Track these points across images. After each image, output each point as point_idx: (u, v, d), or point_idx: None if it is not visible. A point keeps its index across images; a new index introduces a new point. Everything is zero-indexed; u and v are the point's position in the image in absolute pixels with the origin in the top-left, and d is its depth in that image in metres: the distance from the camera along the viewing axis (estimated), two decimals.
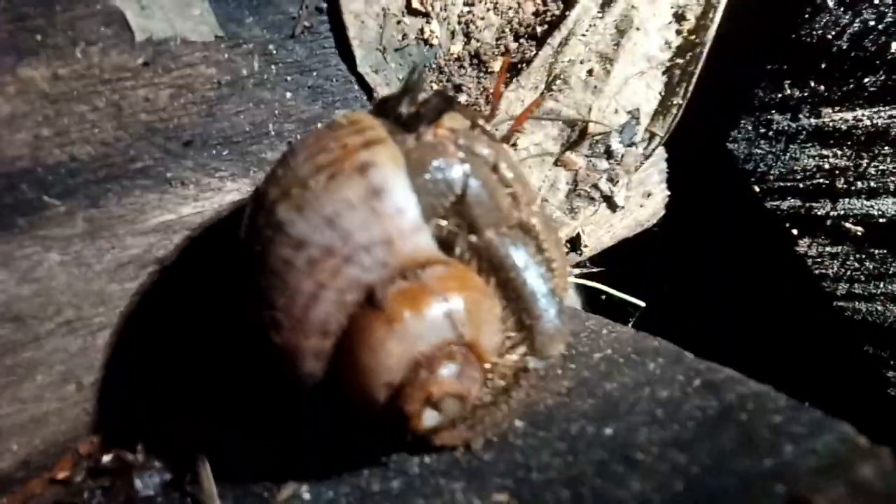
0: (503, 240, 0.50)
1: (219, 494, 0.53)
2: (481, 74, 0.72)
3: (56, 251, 0.58)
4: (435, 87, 0.70)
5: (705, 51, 0.69)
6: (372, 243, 0.45)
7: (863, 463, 0.36)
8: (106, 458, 0.59)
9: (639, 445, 0.43)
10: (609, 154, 0.70)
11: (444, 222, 0.50)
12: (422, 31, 0.68)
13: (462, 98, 0.71)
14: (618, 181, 0.70)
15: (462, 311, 0.46)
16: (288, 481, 0.51)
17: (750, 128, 0.94)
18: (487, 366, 0.49)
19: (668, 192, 0.93)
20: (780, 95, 0.90)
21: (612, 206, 0.72)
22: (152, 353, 0.61)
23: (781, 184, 0.93)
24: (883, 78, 0.84)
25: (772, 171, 0.93)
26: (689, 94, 0.70)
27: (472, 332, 0.47)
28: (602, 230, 0.84)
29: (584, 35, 0.70)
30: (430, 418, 0.46)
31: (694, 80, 0.70)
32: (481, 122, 0.55)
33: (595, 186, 0.70)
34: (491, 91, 0.69)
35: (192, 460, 0.56)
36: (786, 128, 0.91)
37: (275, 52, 0.63)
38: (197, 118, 0.61)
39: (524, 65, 0.72)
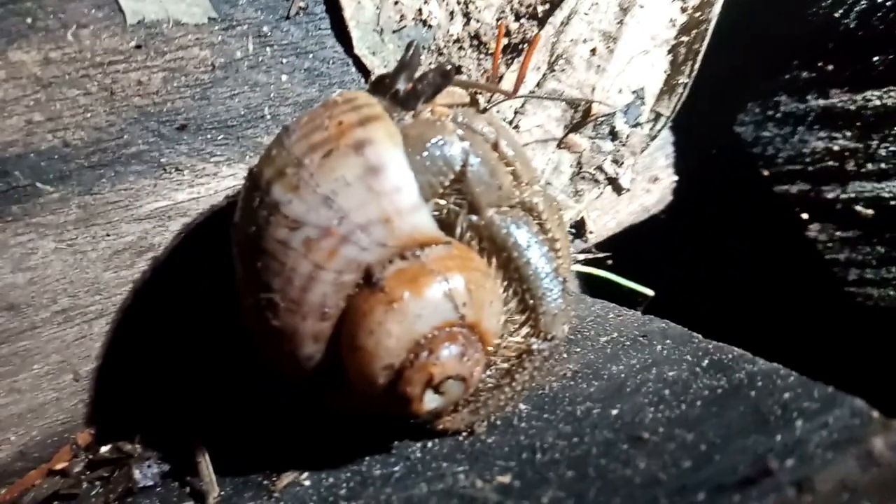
0: (505, 219, 0.49)
1: (217, 483, 0.52)
2: (481, 56, 0.71)
3: (50, 239, 0.57)
4: (449, 62, 0.69)
5: (710, 28, 0.68)
6: (369, 223, 0.44)
7: (875, 436, 0.35)
8: (104, 449, 0.58)
9: (645, 425, 0.42)
10: (614, 135, 0.69)
11: (443, 201, 0.49)
12: (420, 11, 0.67)
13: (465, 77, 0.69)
14: (623, 163, 0.69)
15: (463, 291, 0.45)
16: (287, 469, 0.50)
17: (757, 111, 0.92)
18: (490, 348, 0.48)
19: (676, 177, 0.92)
20: (787, 77, 0.89)
21: (618, 188, 0.70)
22: (150, 342, 0.60)
23: (790, 167, 0.91)
24: (892, 57, 0.82)
25: (780, 155, 0.92)
26: (694, 73, 0.69)
27: (473, 313, 0.46)
28: (608, 216, 0.83)
29: (586, 14, 0.69)
30: (431, 401, 0.44)
31: (700, 58, 0.68)
32: (481, 97, 0.54)
33: (600, 168, 0.69)
34: (490, 70, 0.67)
35: (191, 450, 0.55)
36: (793, 110, 0.89)
37: (269, 33, 0.62)
38: (191, 102, 0.60)
39: (525, 45, 0.70)
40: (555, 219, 0.52)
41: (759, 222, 0.95)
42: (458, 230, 0.49)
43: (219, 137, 0.61)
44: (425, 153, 0.47)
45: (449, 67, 0.49)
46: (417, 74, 0.51)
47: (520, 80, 0.59)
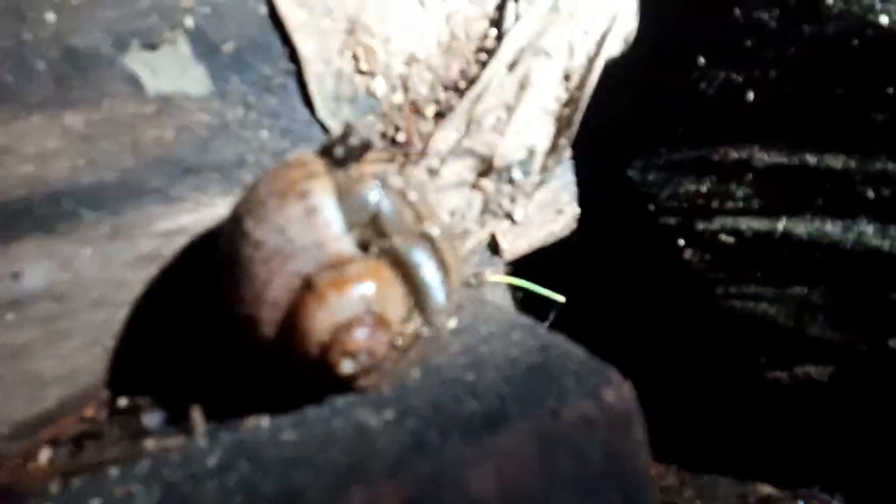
0: (405, 244, 0.71)
1: (203, 424, 0.73)
2: (417, 118, 0.94)
3: (87, 248, 0.78)
4: (380, 127, 0.92)
5: (585, 103, 0.90)
6: (309, 245, 0.66)
7: (609, 389, 0.57)
8: (122, 402, 0.80)
9: (483, 384, 0.64)
10: (511, 181, 0.91)
11: (363, 231, 0.71)
12: (368, 86, 0.90)
13: (401, 136, 0.92)
14: (517, 202, 0.91)
15: (373, 292, 0.67)
16: (251, 415, 0.72)
17: (644, 160, 1.15)
18: (392, 332, 0.69)
19: (579, 210, 1.14)
20: (665, 134, 1.11)
21: (512, 220, 0.93)
22: (159, 325, 0.82)
23: (669, 204, 1.14)
24: (743, 120, 1.04)
25: (661, 194, 1.14)
26: (573, 135, 0.91)
27: (380, 306, 0.67)
28: (521, 239, 1.05)
29: (494, 90, 0.92)
30: (347, 366, 0.66)
31: (576, 124, 0.91)
32: (399, 157, 0.76)
33: (500, 206, 0.91)
34: (419, 132, 0.90)
35: (186, 403, 0.76)
36: (671, 159, 1.12)
37: (254, 102, 0.84)
38: (195, 151, 0.82)
39: (449, 111, 0.93)
40: (446, 244, 0.74)
41: (647, 247, 1.17)
42: (373, 252, 0.71)
43: (215, 177, 0.83)
44: (350, 199, 0.69)
45: (370, 140, 0.71)
46: (351, 143, 0.73)
47: (425, 146, 0.81)
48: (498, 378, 0.64)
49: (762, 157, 1.05)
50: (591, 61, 0.90)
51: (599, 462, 0.55)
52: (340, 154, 0.71)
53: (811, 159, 1.02)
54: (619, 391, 0.56)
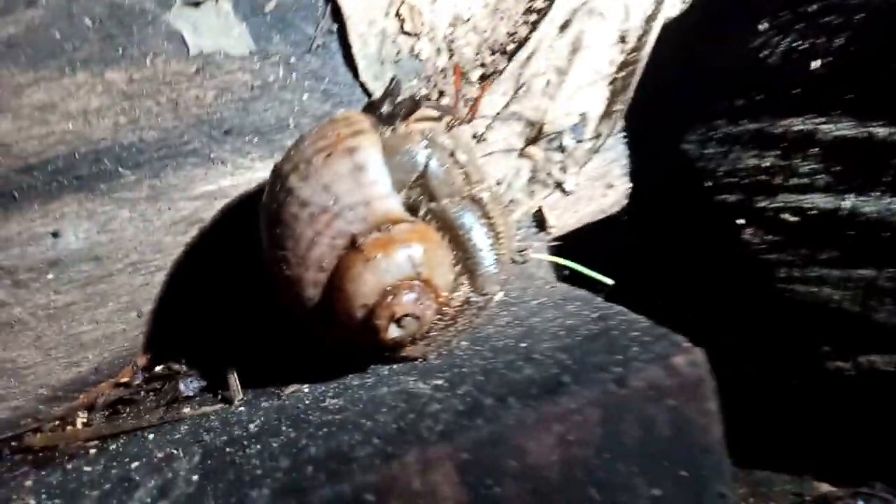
0: (455, 206, 0.67)
1: (241, 391, 0.71)
2: (463, 82, 0.89)
3: (126, 209, 0.77)
4: (423, 91, 0.88)
5: (641, 66, 0.85)
6: (355, 204, 0.63)
7: (679, 355, 0.52)
8: (158, 368, 0.78)
9: (539, 352, 0.60)
10: (562, 149, 0.87)
11: (411, 192, 0.67)
12: (412, 48, 0.86)
13: (445, 100, 0.88)
14: (568, 170, 0.87)
15: (421, 255, 0.63)
16: (292, 382, 0.69)
17: (700, 132, 1.09)
18: (441, 299, 0.66)
19: (630, 185, 1.09)
20: (724, 104, 1.05)
21: (563, 190, 0.88)
22: (196, 289, 0.80)
23: (728, 180, 1.08)
24: (808, 90, 0.98)
25: (719, 170, 1.08)
26: (628, 101, 0.86)
27: (427, 271, 0.64)
28: (568, 214, 1.00)
29: (544, 52, 0.87)
30: (393, 332, 0.63)
31: (632, 89, 0.86)
32: (447, 117, 0.72)
33: (549, 175, 0.87)
34: (467, 96, 0.86)
35: (223, 370, 0.74)
36: (730, 132, 1.06)
37: (295, 63, 0.81)
38: (235, 113, 0.79)
39: (496, 75, 0.89)
40: (497, 209, 0.70)
41: (703, 226, 1.11)
42: (421, 213, 0.67)
43: (254, 140, 0.81)
44: (398, 157, 0.66)
45: (419, 96, 0.68)
46: (398, 100, 0.70)
47: (474, 109, 0.77)
48: (555, 346, 0.60)
49: (828, 130, 0.98)
50: (648, 22, 0.85)
51: (667, 433, 0.51)
52: (387, 111, 0.67)
53: (880, 132, 0.95)
54: (689, 357, 0.52)
